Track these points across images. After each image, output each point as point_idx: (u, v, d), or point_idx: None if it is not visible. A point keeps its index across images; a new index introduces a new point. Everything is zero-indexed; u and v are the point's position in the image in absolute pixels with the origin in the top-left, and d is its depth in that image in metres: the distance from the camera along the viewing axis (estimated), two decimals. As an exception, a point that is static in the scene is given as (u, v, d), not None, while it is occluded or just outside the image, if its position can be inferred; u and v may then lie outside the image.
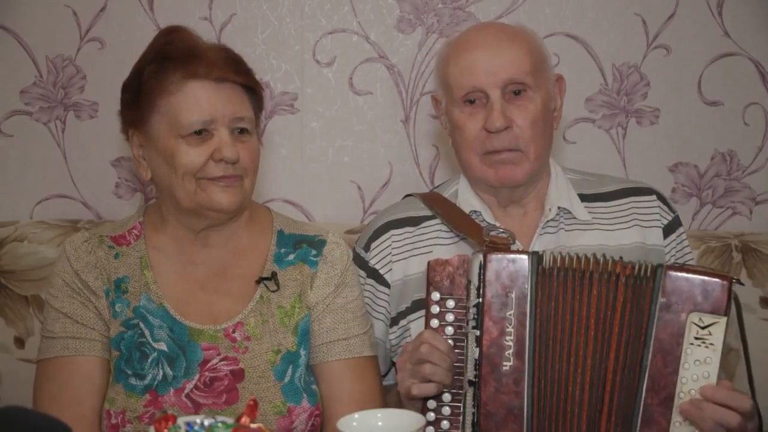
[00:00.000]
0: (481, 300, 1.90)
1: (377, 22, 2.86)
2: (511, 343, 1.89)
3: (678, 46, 2.85)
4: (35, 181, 2.93)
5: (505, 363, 1.88)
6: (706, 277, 1.85)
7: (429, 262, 1.99)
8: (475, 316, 1.91)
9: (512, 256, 1.91)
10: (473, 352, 1.90)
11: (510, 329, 1.89)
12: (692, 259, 2.32)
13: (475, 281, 1.92)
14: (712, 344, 1.84)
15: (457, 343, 1.94)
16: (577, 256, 1.93)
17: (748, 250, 2.70)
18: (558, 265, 1.91)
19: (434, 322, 1.96)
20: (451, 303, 1.95)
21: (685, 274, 1.86)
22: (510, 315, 1.89)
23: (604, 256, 1.94)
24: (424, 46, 2.85)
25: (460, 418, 1.93)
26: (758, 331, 2.66)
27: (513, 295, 1.89)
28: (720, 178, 2.90)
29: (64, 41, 2.87)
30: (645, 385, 1.85)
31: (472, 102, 2.20)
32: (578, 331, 1.90)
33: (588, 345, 1.89)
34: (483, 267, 1.90)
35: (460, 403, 1.93)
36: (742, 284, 1.98)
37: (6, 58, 2.89)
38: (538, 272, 1.90)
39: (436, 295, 1.96)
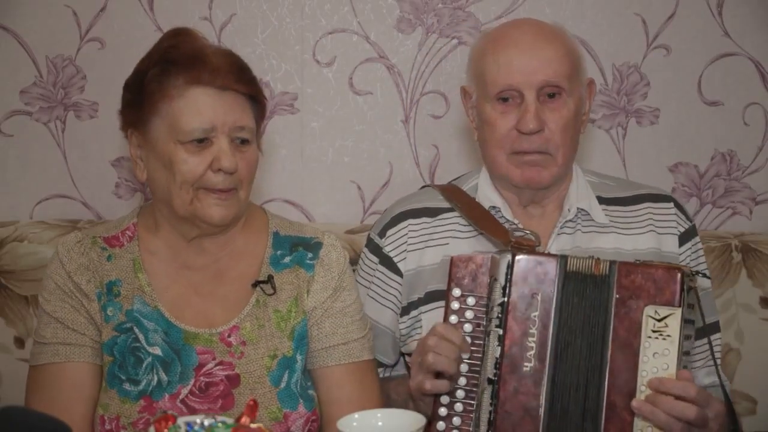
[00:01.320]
0: (506, 299, 1.91)
1: (377, 22, 2.85)
2: (533, 345, 1.89)
3: (678, 46, 2.85)
4: (35, 181, 2.93)
5: (525, 364, 1.89)
6: (656, 270, 1.87)
7: (452, 258, 1.99)
8: (499, 315, 1.91)
9: (541, 258, 1.92)
10: (495, 351, 1.91)
11: (533, 331, 1.90)
12: (707, 269, 2.32)
13: (501, 280, 1.92)
14: (669, 336, 1.85)
15: (475, 341, 1.95)
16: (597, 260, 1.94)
17: (748, 250, 2.70)
18: (585, 270, 1.92)
19: (453, 318, 1.96)
20: (471, 300, 1.95)
21: (636, 269, 1.88)
22: (534, 317, 1.90)
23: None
24: (424, 46, 2.85)
25: (473, 415, 1.94)
26: (758, 331, 2.66)
27: (539, 297, 1.90)
28: (720, 178, 2.90)
29: (64, 41, 2.87)
30: (607, 382, 1.87)
31: (505, 100, 2.18)
32: (579, 333, 1.91)
33: (575, 346, 1.91)
34: (511, 267, 1.91)
35: (473, 400, 1.94)
36: (707, 277, 2.06)
37: (6, 58, 2.89)
38: (566, 275, 1.91)
39: (456, 292, 1.96)
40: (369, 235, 2.35)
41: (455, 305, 1.96)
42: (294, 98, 2.88)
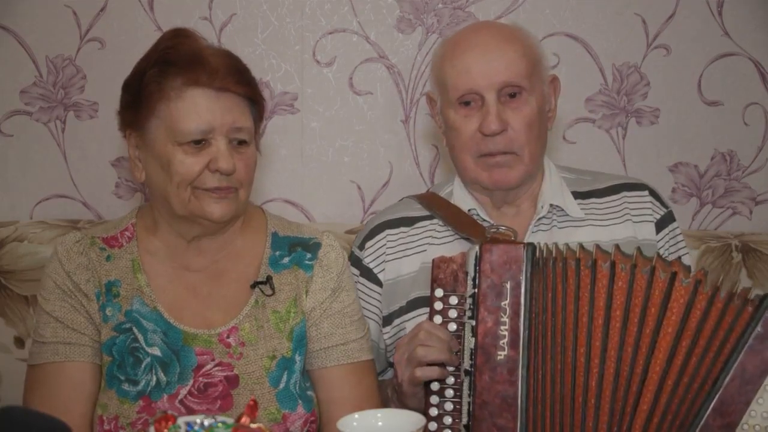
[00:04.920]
0: (476, 290, 1.90)
1: (377, 22, 2.85)
2: (505, 333, 1.88)
3: (678, 46, 2.85)
4: (35, 181, 2.93)
5: (499, 353, 1.88)
6: None
7: (433, 260, 1.99)
8: (471, 307, 1.91)
9: (507, 246, 1.91)
10: (469, 342, 1.90)
11: (505, 319, 1.88)
12: (687, 254, 2.32)
13: (471, 272, 1.92)
14: None
15: (460, 339, 1.95)
16: (582, 247, 1.92)
17: (748, 250, 2.70)
18: (554, 255, 1.91)
19: (437, 319, 1.96)
20: (454, 299, 1.95)
21: None
22: (504, 305, 1.89)
23: (625, 249, 1.93)
24: (424, 46, 2.85)
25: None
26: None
27: (508, 285, 1.89)
28: (720, 178, 2.90)
29: (64, 41, 2.87)
30: (713, 404, 1.81)
31: (467, 104, 2.20)
32: (590, 321, 1.87)
33: (611, 336, 1.86)
34: (478, 257, 1.91)
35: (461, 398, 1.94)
36: None
37: (6, 58, 2.89)
38: (534, 262, 1.90)
39: (439, 292, 1.96)
40: (351, 248, 2.36)
41: (438, 306, 1.96)
42: (294, 98, 2.88)
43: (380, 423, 1.71)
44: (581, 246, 1.92)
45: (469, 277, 1.92)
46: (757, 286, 2.67)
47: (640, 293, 1.87)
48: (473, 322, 1.90)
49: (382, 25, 2.86)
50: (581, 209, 2.26)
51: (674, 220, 2.31)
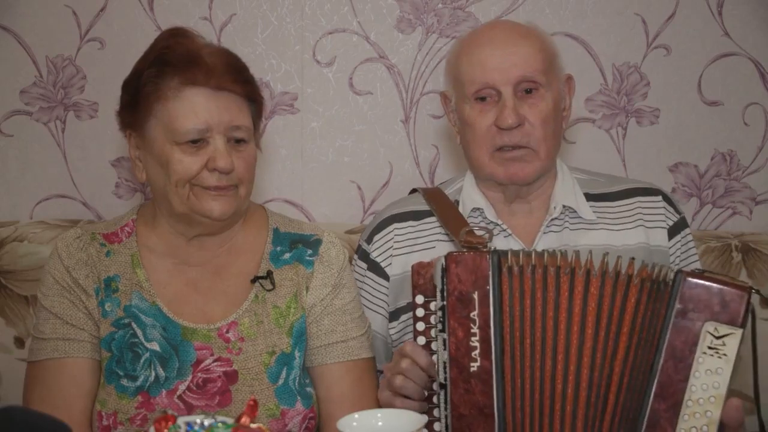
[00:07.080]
0: (445, 302, 1.87)
1: (377, 22, 2.86)
2: (477, 344, 1.85)
3: (678, 46, 2.85)
4: (35, 181, 2.93)
5: (472, 364, 1.84)
6: (725, 287, 1.81)
7: (413, 266, 1.96)
8: (441, 319, 1.88)
9: (472, 256, 1.87)
10: (442, 355, 1.87)
11: (475, 330, 1.84)
12: (697, 260, 2.31)
13: (439, 284, 1.88)
14: (725, 355, 1.80)
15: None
16: (561, 254, 1.88)
17: (748, 250, 2.70)
18: (533, 262, 1.86)
19: (420, 325, 1.94)
20: (434, 305, 1.92)
21: (704, 282, 1.81)
22: (474, 315, 1.85)
23: (599, 255, 1.90)
24: (424, 46, 2.85)
25: None
26: (758, 331, 2.65)
27: (476, 296, 1.85)
28: (720, 178, 2.90)
29: (64, 41, 2.87)
30: (654, 390, 1.81)
31: (483, 99, 2.20)
32: (568, 328, 1.85)
33: (585, 342, 1.85)
34: (445, 269, 1.87)
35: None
36: (760, 294, 1.92)
37: (6, 58, 2.89)
38: (502, 271, 1.86)
39: (420, 298, 1.94)
40: (359, 242, 2.36)
41: (420, 312, 1.93)
42: (294, 98, 2.88)
43: (380, 423, 1.71)
44: (560, 252, 1.89)
45: (437, 290, 1.89)
46: (757, 287, 2.67)
47: (607, 297, 1.85)
48: (445, 335, 1.87)
49: (382, 25, 2.86)
50: (593, 212, 2.25)
51: (687, 226, 2.30)
